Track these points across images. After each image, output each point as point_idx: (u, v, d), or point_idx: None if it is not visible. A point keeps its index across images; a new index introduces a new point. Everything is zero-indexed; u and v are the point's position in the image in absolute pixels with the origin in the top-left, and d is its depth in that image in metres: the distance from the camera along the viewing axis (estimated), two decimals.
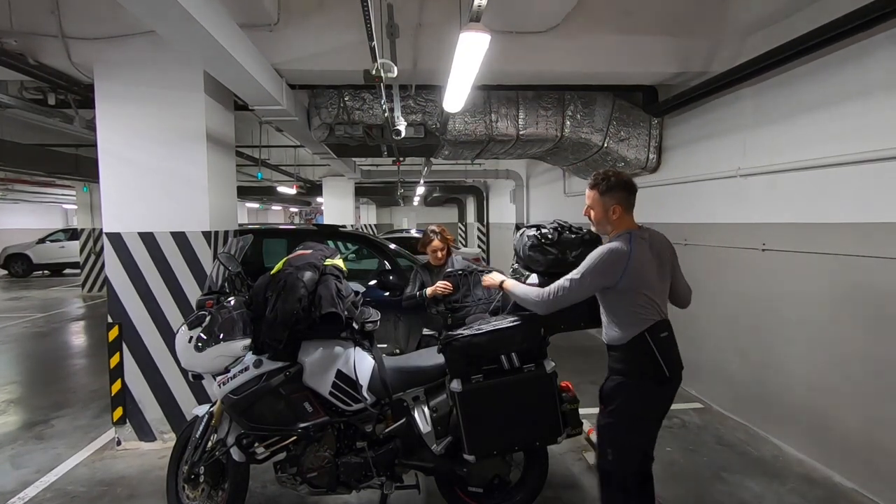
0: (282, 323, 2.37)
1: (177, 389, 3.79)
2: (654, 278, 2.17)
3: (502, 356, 2.45)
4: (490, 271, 2.84)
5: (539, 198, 10.75)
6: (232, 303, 2.48)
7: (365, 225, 22.00)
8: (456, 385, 2.42)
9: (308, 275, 2.49)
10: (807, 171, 3.49)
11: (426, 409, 2.62)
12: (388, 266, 5.53)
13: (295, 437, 2.50)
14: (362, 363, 2.63)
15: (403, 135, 4.83)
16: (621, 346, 2.22)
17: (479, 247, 16.37)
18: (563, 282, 2.18)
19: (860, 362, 3.13)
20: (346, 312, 2.50)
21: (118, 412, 3.77)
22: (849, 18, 2.77)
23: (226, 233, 4.04)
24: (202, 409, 2.74)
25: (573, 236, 2.63)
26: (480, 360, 2.45)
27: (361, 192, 15.18)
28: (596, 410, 2.36)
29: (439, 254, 3.66)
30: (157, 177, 3.68)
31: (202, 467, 2.62)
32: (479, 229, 16.96)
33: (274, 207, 26.40)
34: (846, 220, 3.20)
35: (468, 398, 2.41)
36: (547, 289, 2.22)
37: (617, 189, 2.19)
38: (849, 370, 3.20)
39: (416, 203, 21.32)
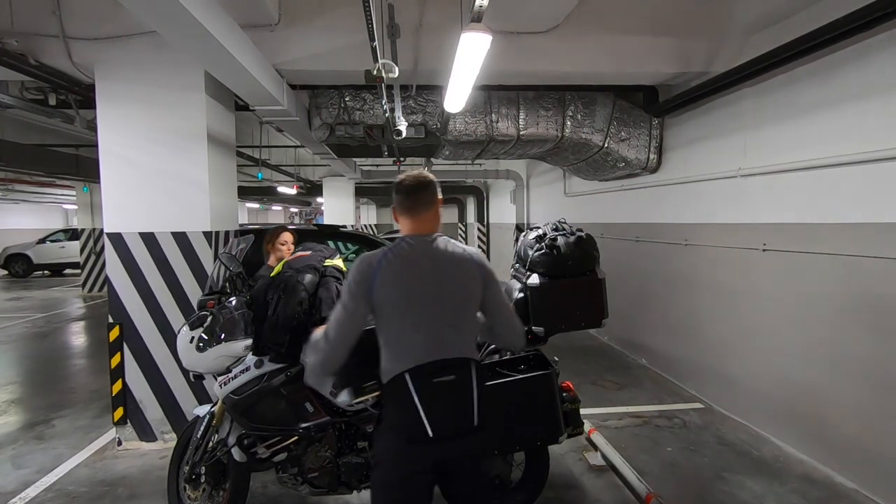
0: (283, 327, 2.38)
1: (178, 389, 3.79)
2: (412, 300, 1.72)
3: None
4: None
5: (539, 198, 10.75)
6: (233, 303, 2.48)
7: (365, 225, 22.00)
8: None
9: (308, 277, 2.50)
10: (807, 171, 3.49)
11: None
12: None
13: (296, 438, 2.50)
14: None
15: (404, 135, 4.83)
16: (383, 388, 1.77)
17: (479, 247, 16.36)
18: (332, 315, 1.80)
19: (861, 362, 3.13)
20: None
21: (119, 412, 3.77)
22: (849, 19, 2.77)
23: (226, 233, 4.05)
24: (203, 410, 2.74)
25: (571, 237, 2.65)
26: None
27: (362, 192, 15.17)
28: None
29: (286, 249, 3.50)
30: (157, 177, 3.69)
31: (203, 467, 2.63)
32: (479, 229, 16.94)
33: (274, 207, 26.39)
34: (847, 220, 3.21)
35: None
36: (319, 331, 1.83)
37: (395, 192, 1.84)
38: (850, 370, 3.20)
39: None
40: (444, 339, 1.73)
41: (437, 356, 1.70)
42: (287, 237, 3.56)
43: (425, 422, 1.65)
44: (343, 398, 2.32)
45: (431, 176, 1.87)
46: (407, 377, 1.67)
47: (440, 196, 1.87)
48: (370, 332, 1.78)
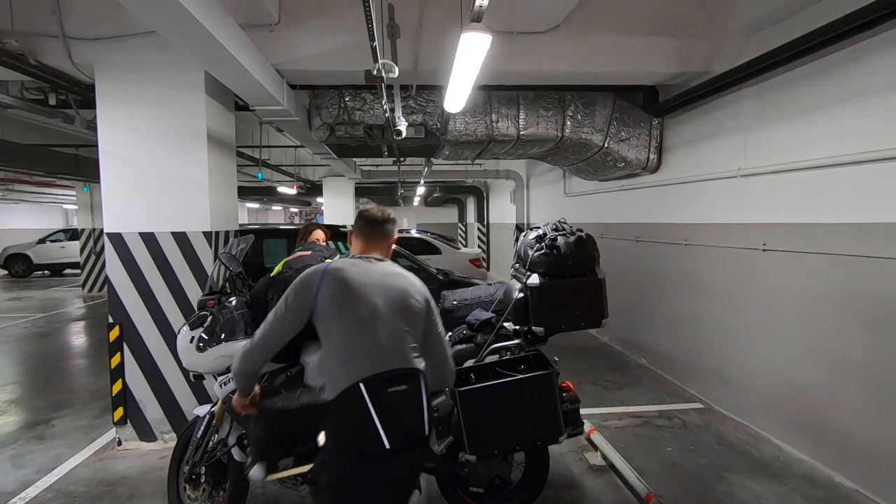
0: None
1: (178, 389, 3.79)
2: (358, 311, 1.72)
3: None
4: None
5: (539, 198, 10.75)
6: (233, 303, 2.49)
7: None
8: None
9: None
10: (807, 171, 3.49)
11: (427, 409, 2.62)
12: None
13: None
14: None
15: (404, 135, 4.83)
16: (332, 404, 1.70)
17: (479, 247, 16.37)
18: (268, 317, 1.82)
19: (861, 362, 3.13)
20: None
21: (119, 412, 3.77)
22: (849, 19, 2.77)
23: (226, 233, 4.05)
24: (203, 410, 2.74)
25: (571, 237, 2.65)
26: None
27: (362, 192, 15.18)
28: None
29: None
30: (157, 177, 3.69)
31: (203, 467, 2.63)
32: (479, 229, 16.95)
33: (274, 207, 26.39)
34: (847, 220, 3.21)
35: (469, 398, 2.41)
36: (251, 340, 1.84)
37: (358, 218, 2.02)
38: (849, 370, 3.20)
39: (416, 203, 21.30)
40: (391, 350, 1.73)
41: (389, 366, 1.69)
42: (319, 234, 3.48)
43: (382, 434, 1.60)
44: (255, 474, 2.21)
45: (394, 215, 2.05)
46: (362, 388, 1.62)
47: (395, 235, 2.04)
48: (291, 412, 1.84)
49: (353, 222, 2.03)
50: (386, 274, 1.85)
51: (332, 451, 1.69)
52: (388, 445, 1.60)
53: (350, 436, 1.65)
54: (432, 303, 1.93)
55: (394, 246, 2.08)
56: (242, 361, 1.83)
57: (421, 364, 1.80)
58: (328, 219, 12.91)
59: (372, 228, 1.97)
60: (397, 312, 1.78)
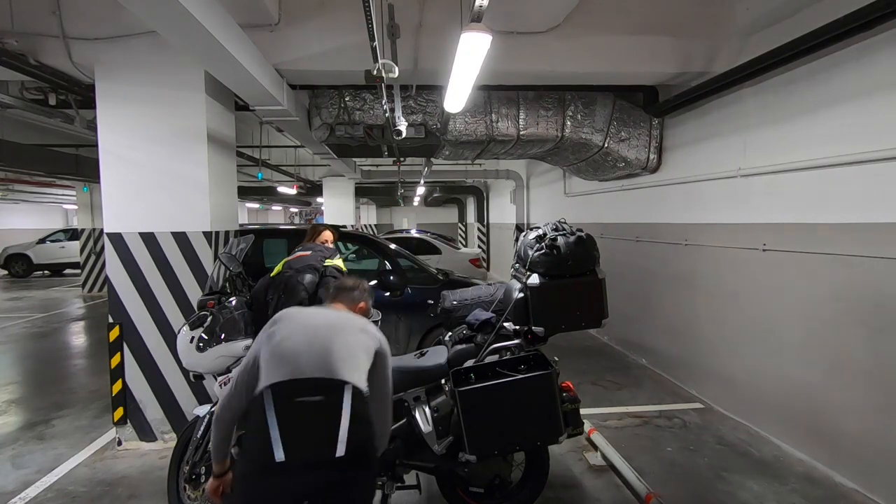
0: None
1: (178, 389, 3.79)
2: (297, 332, 1.73)
3: None
4: None
5: (539, 198, 10.75)
6: (233, 303, 2.49)
7: (365, 225, 21.99)
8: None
9: (308, 277, 2.50)
10: (807, 171, 3.49)
11: (427, 409, 2.62)
12: (388, 266, 5.54)
13: None
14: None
15: (404, 135, 4.83)
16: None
17: (479, 247, 16.37)
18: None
19: (860, 362, 3.13)
20: None
21: (119, 412, 3.77)
22: (849, 19, 2.77)
23: (226, 233, 4.04)
24: (203, 410, 2.74)
25: (571, 237, 2.65)
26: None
27: (361, 192, 15.18)
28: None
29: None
30: (157, 177, 3.69)
31: (203, 467, 2.62)
32: (479, 229, 16.95)
33: (274, 207, 26.39)
34: (847, 220, 3.21)
35: (469, 398, 2.41)
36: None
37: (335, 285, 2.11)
38: (849, 370, 3.20)
39: (416, 203, 21.31)
40: (312, 357, 1.64)
41: (304, 374, 1.59)
42: (327, 235, 3.43)
43: (276, 445, 1.47)
44: None
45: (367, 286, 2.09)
46: (267, 393, 1.54)
47: (363, 305, 2.07)
48: None
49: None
50: (341, 313, 1.87)
51: (239, 459, 1.62)
52: (280, 458, 1.47)
53: (248, 443, 1.57)
54: (385, 351, 1.86)
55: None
56: (225, 410, 1.75)
57: (355, 377, 1.65)
58: (328, 219, 12.91)
59: (341, 290, 2.04)
60: (341, 337, 1.74)
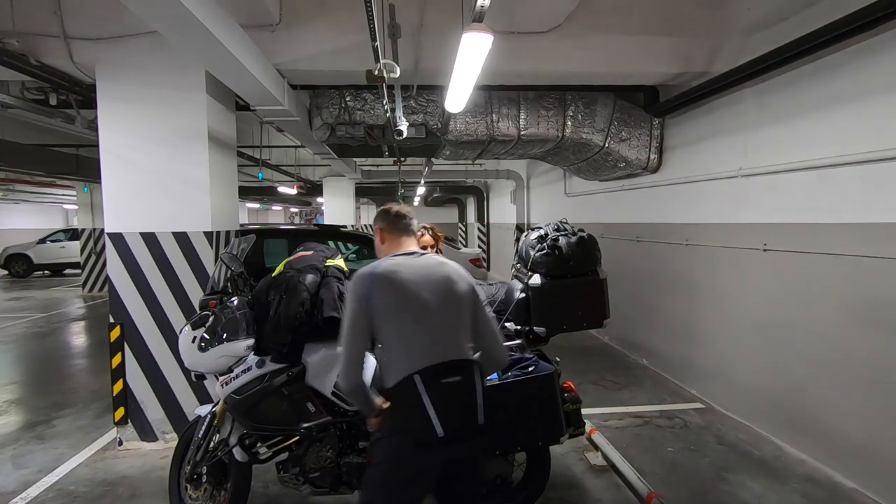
0: (284, 327, 2.38)
1: (178, 389, 3.79)
2: (410, 305, 1.79)
3: None
4: None
5: (539, 198, 10.75)
6: (235, 303, 2.48)
7: (365, 225, 22.00)
8: None
9: (310, 277, 2.50)
10: (808, 171, 3.49)
11: None
12: None
13: (297, 438, 2.50)
14: (365, 363, 2.62)
15: (405, 135, 4.83)
16: (389, 393, 1.81)
17: (479, 247, 16.36)
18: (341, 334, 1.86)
19: (861, 362, 3.13)
20: None
21: (120, 412, 3.77)
22: (850, 19, 2.77)
23: (227, 233, 4.04)
24: (204, 409, 2.74)
25: (573, 237, 2.65)
26: None
27: (362, 192, 15.17)
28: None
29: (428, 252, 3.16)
30: (158, 177, 3.69)
31: (204, 467, 2.63)
32: (479, 229, 16.95)
33: (274, 207, 26.39)
34: (848, 220, 3.21)
35: None
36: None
37: (378, 217, 2.10)
38: (850, 370, 3.20)
39: (416, 203, 21.28)
40: (445, 342, 1.81)
41: (443, 358, 1.76)
42: (427, 240, 3.14)
43: (436, 423, 1.68)
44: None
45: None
46: (416, 379, 1.71)
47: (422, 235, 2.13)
48: None
49: (378, 221, 2.07)
50: (430, 266, 1.90)
51: (390, 433, 1.78)
52: (441, 433, 1.68)
53: (404, 423, 1.75)
54: (477, 288, 1.97)
55: None
56: (345, 381, 1.85)
57: (474, 355, 1.86)
58: (328, 219, 12.91)
59: (401, 222, 2.04)
60: (448, 303, 1.84)
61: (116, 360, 3.75)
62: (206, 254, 3.75)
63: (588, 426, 3.63)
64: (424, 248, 3.05)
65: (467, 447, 1.79)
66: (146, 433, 3.81)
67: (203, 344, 2.40)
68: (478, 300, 1.94)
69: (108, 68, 3.63)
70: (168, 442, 3.78)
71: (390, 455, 1.77)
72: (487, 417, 1.80)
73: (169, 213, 3.70)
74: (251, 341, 2.42)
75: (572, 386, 2.69)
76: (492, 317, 2.03)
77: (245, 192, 13.10)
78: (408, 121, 4.87)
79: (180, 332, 2.53)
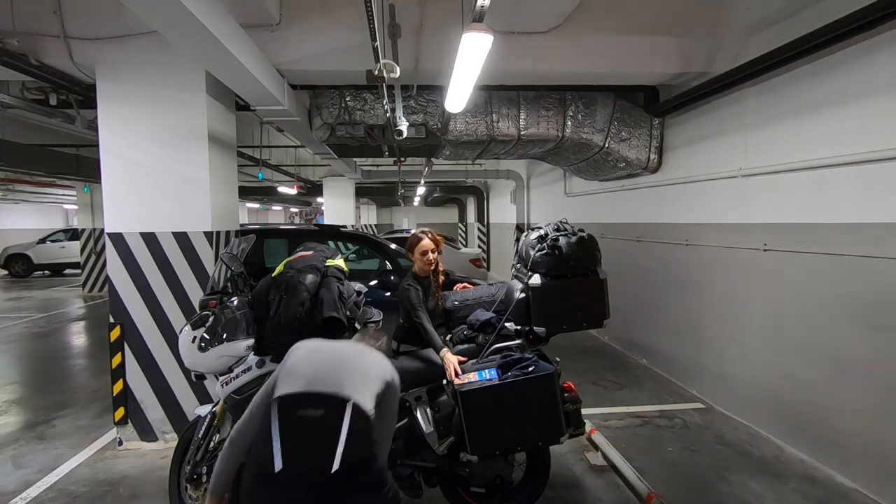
0: (285, 327, 2.38)
1: (178, 389, 3.79)
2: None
3: None
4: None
5: (539, 198, 10.75)
6: (235, 303, 2.48)
7: (365, 225, 22.01)
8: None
9: (310, 278, 2.50)
10: (808, 171, 3.49)
11: (428, 410, 2.63)
12: (388, 266, 5.54)
13: None
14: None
15: (405, 135, 4.83)
16: None
17: (479, 247, 16.36)
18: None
19: (862, 362, 3.13)
20: (348, 314, 2.50)
21: (120, 412, 3.77)
22: (850, 19, 2.77)
23: (227, 233, 4.04)
24: (204, 409, 2.74)
25: (573, 237, 2.65)
26: None
27: (362, 192, 15.17)
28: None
29: (430, 256, 2.90)
30: (158, 177, 3.69)
31: (205, 467, 2.63)
32: (479, 229, 16.95)
33: (274, 207, 26.38)
34: (848, 220, 3.21)
35: (471, 398, 2.41)
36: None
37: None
38: (850, 369, 3.20)
39: (416, 203, 21.31)
40: (330, 377, 1.64)
41: (314, 390, 1.60)
42: (427, 245, 2.96)
43: (276, 454, 1.49)
44: None
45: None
46: (274, 405, 1.57)
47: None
48: None
49: None
50: (350, 343, 1.88)
51: (244, 468, 1.65)
52: (279, 467, 1.48)
53: (254, 452, 1.60)
54: (394, 385, 1.78)
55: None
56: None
57: (358, 397, 1.60)
58: (328, 219, 12.91)
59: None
60: (344, 358, 1.76)
61: (116, 360, 3.75)
62: (206, 254, 3.75)
63: (588, 426, 3.63)
64: (425, 252, 2.95)
65: (314, 496, 1.52)
66: (146, 433, 3.81)
67: (203, 344, 2.40)
68: (391, 392, 1.76)
69: (108, 68, 3.63)
70: (168, 442, 3.78)
71: (242, 489, 1.63)
72: (352, 468, 1.51)
73: (169, 213, 3.70)
74: (251, 341, 2.42)
75: (572, 386, 2.69)
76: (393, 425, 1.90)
77: (245, 192, 13.10)
78: (408, 121, 4.87)
79: (180, 332, 2.53)
